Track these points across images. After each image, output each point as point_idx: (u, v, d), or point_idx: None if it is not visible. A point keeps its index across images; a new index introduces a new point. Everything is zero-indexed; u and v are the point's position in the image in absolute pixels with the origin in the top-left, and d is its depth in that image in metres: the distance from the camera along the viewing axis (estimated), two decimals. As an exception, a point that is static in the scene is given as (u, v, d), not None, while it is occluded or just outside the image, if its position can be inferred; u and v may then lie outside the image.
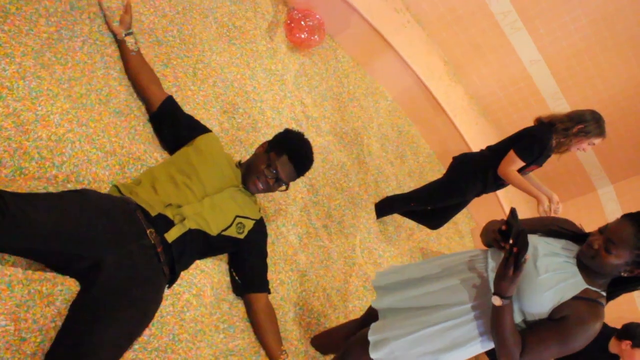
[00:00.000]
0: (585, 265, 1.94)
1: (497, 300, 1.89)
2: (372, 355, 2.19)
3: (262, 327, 2.52)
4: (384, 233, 4.15)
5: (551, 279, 1.93)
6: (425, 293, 2.20)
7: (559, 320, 1.88)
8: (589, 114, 3.36)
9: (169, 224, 2.14)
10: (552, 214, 3.50)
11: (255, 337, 2.56)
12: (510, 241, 1.82)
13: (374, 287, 2.43)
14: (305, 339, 2.91)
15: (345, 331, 2.79)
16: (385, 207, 4.11)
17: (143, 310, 1.94)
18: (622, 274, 1.88)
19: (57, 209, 1.74)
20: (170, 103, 2.52)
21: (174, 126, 2.50)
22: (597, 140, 3.38)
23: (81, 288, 1.88)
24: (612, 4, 5.28)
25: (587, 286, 1.91)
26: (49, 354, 1.71)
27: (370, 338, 2.21)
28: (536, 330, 1.92)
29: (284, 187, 2.54)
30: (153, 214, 2.10)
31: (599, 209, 7.08)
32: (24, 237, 1.64)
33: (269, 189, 2.51)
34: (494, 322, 1.93)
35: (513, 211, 1.91)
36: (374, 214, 4.09)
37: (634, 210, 2.01)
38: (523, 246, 1.80)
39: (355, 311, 3.36)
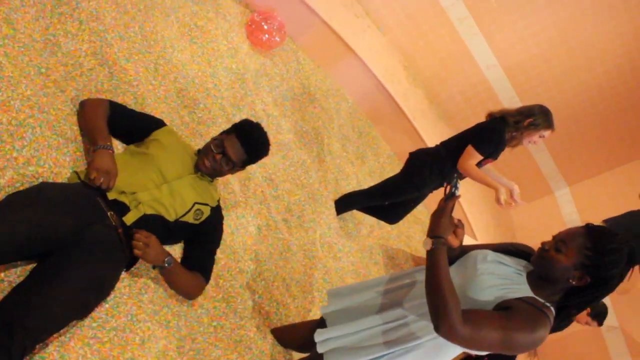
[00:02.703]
0: (534, 279, 1.94)
1: (427, 244, 1.86)
2: (319, 350, 2.27)
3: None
4: (344, 229, 4.25)
5: (495, 279, 1.94)
6: (368, 299, 2.31)
7: (505, 309, 1.82)
8: (537, 108, 3.54)
9: (125, 208, 2.22)
10: (514, 204, 3.65)
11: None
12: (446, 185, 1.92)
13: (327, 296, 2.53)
14: (265, 327, 2.99)
15: (306, 330, 2.80)
16: (344, 204, 4.22)
17: (99, 281, 2.03)
18: (571, 281, 1.85)
19: (17, 217, 1.85)
20: (114, 107, 2.46)
21: (129, 129, 2.53)
22: (546, 133, 3.54)
23: (40, 259, 1.99)
24: (564, 12, 5.52)
25: (533, 295, 1.88)
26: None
27: (317, 339, 2.29)
28: (483, 310, 1.84)
29: (232, 166, 2.55)
30: (110, 198, 2.19)
31: (556, 211, 7.29)
32: None
33: (216, 165, 2.50)
34: (428, 272, 1.84)
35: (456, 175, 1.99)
36: (334, 210, 4.20)
37: (589, 212, 2.08)
38: (452, 178, 1.91)
39: (315, 302, 3.45)
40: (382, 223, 4.66)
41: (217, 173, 2.58)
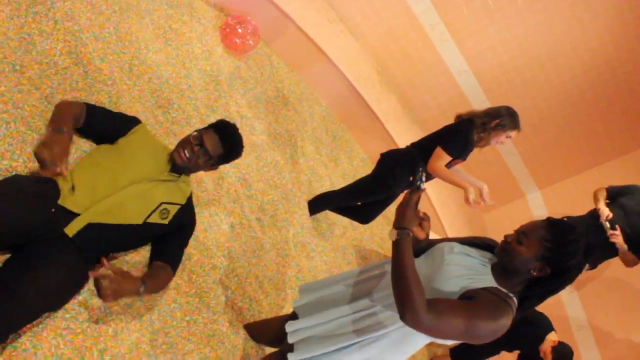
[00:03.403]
0: (498, 270, 2.03)
1: (393, 234, 1.93)
2: (290, 340, 2.31)
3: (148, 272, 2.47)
4: (317, 229, 4.32)
5: (460, 270, 2.02)
6: (339, 291, 2.37)
7: (469, 298, 1.90)
8: (504, 109, 3.66)
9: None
10: (482, 204, 3.76)
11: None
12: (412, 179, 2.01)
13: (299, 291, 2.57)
14: (238, 322, 3.04)
15: (278, 324, 2.84)
16: (318, 204, 4.28)
17: (73, 274, 2.10)
18: (533, 272, 1.94)
19: None
20: (91, 109, 2.50)
21: (104, 130, 2.54)
22: (512, 133, 3.66)
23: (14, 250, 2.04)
24: (533, 20, 5.68)
25: (496, 285, 1.96)
26: None
27: (288, 329, 2.34)
28: (448, 299, 1.91)
29: (208, 158, 2.57)
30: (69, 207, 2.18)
31: (527, 214, 7.44)
32: None
33: (193, 157, 2.52)
34: (394, 261, 1.91)
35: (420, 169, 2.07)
36: (307, 211, 4.26)
37: (560, 214, 2.16)
38: (417, 172, 1.97)
39: (288, 299, 3.51)
40: (356, 224, 4.75)
41: (193, 166, 2.58)
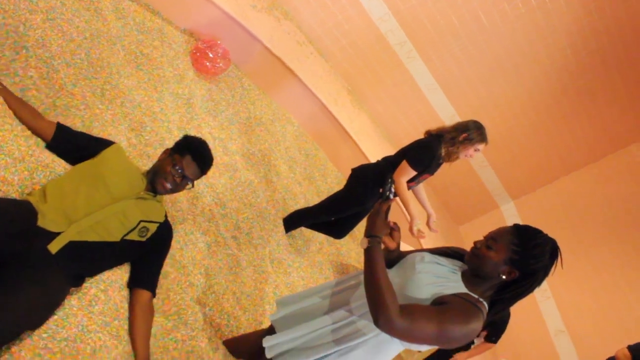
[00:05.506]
0: (468, 276, 2.11)
1: (364, 243, 2.01)
2: (267, 355, 2.37)
3: (135, 325, 2.55)
4: (293, 246, 4.38)
5: (431, 278, 2.10)
6: (315, 303, 2.43)
7: (440, 304, 1.97)
8: (471, 123, 3.78)
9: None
10: (425, 235, 3.92)
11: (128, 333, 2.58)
12: (381, 190, 2.09)
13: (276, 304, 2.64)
14: (217, 338, 3.08)
15: (257, 339, 2.84)
16: (292, 221, 4.35)
17: (50, 293, 2.13)
18: (502, 276, 2.02)
19: None
20: (62, 130, 2.63)
21: (76, 149, 2.63)
22: (480, 146, 3.77)
23: None
24: (494, 33, 5.85)
25: (467, 291, 2.04)
26: None
27: (265, 344, 2.39)
28: (420, 305, 1.97)
29: (190, 185, 2.71)
30: (51, 229, 2.25)
31: (502, 224, 7.51)
32: None
33: (176, 187, 2.65)
34: (366, 269, 1.99)
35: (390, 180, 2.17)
36: (282, 228, 4.32)
37: (534, 223, 2.27)
38: (387, 183, 2.08)
39: (266, 314, 3.55)
40: (331, 239, 4.82)
41: (176, 192, 2.73)
